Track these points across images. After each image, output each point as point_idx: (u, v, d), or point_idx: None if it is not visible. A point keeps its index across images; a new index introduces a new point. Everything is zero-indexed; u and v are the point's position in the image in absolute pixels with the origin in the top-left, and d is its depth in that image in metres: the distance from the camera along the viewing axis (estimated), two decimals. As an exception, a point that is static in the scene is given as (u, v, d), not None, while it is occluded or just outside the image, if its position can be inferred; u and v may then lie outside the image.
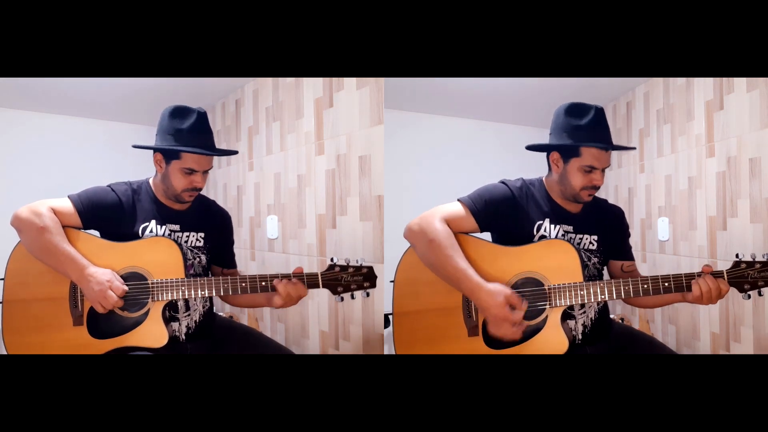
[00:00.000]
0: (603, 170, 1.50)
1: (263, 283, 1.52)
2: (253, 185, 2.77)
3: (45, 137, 3.01)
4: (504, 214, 1.51)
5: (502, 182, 1.56)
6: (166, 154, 1.58)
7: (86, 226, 1.55)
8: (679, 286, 1.39)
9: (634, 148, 1.61)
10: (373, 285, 1.54)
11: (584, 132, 1.47)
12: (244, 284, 1.51)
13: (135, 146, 1.64)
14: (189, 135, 1.56)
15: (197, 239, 1.64)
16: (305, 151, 2.33)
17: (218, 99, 3.08)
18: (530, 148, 1.59)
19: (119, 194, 1.58)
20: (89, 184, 1.61)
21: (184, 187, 1.58)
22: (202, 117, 1.58)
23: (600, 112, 1.49)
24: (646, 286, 1.40)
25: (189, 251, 1.63)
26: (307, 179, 2.32)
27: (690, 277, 1.39)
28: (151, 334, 1.50)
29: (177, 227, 1.61)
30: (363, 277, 1.53)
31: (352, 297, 1.54)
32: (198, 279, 1.51)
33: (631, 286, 1.41)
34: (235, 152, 1.80)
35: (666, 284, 1.39)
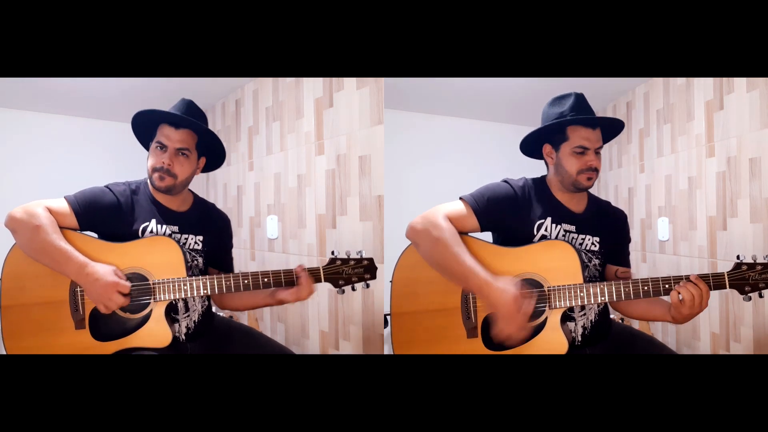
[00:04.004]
0: (598, 152, 1.50)
1: (265, 279, 1.50)
2: (253, 185, 2.77)
3: (44, 137, 3.01)
4: (506, 213, 1.50)
5: (505, 181, 1.55)
6: (152, 137, 1.58)
7: (83, 227, 1.52)
8: None
9: (621, 122, 1.56)
10: (374, 276, 1.55)
11: (568, 115, 1.48)
12: (246, 281, 1.50)
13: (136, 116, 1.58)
14: (171, 112, 1.56)
15: (196, 242, 1.62)
16: (305, 151, 2.33)
17: (218, 99, 3.08)
18: (523, 143, 1.60)
19: (117, 194, 1.55)
20: (89, 184, 1.59)
21: (153, 164, 1.55)
22: (189, 102, 1.60)
23: (580, 96, 1.51)
24: (646, 288, 1.39)
25: (187, 253, 1.61)
26: (307, 179, 2.32)
27: None
28: (155, 334, 1.48)
29: (176, 228, 1.59)
30: (364, 269, 1.54)
31: (353, 289, 1.55)
32: (200, 277, 1.50)
33: (631, 288, 1.40)
34: (210, 130, 1.63)
35: (666, 286, 1.39)
